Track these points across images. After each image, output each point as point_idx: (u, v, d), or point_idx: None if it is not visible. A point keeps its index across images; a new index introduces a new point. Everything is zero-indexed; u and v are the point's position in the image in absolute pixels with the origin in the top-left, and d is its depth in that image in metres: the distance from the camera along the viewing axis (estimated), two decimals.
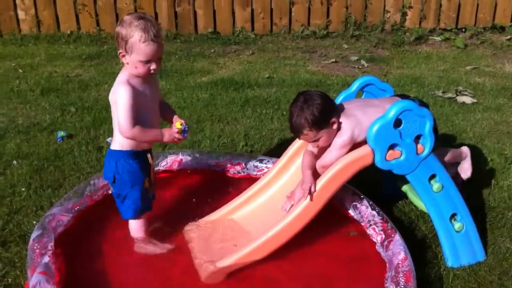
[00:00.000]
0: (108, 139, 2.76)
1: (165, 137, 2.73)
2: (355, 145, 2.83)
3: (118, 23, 2.64)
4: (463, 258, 2.98)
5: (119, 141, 2.75)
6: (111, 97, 2.68)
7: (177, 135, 2.73)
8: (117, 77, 2.72)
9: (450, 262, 2.97)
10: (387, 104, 2.83)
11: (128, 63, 2.63)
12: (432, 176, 2.86)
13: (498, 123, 5.00)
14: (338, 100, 3.16)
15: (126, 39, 2.56)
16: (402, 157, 2.75)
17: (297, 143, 3.15)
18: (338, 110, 2.87)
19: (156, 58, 2.62)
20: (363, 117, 2.83)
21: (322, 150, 2.91)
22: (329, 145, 2.89)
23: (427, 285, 2.82)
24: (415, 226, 3.30)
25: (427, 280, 2.86)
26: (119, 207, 2.88)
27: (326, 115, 2.79)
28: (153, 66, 2.63)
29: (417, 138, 2.77)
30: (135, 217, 2.87)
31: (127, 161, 2.76)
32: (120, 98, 2.60)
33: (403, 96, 3.04)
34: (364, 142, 2.77)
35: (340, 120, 2.84)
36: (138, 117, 2.64)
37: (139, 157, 2.81)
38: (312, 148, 2.95)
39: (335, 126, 2.82)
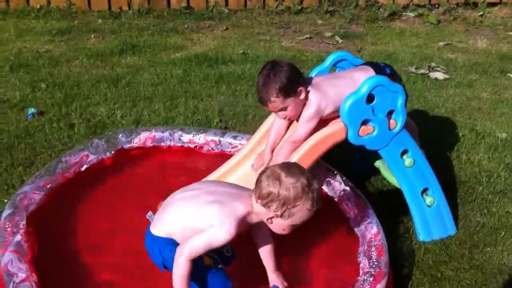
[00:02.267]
0: (149, 215, 2.44)
1: None
2: (328, 120, 2.83)
3: (275, 180, 2.13)
4: (435, 232, 3.03)
5: (167, 230, 2.30)
6: (200, 215, 2.22)
7: None
8: (231, 203, 2.22)
9: (421, 236, 3.02)
10: (355, 74, 2.85)
11: (272, 223, 2.23)
12: (404, 152, 2.89)
13: (470, 98, 5.06)
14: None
15: (289, 205, 2.14)
16: (374, 133, 2.77)
17: (271, 119, 3.15)
18: (305, 81, 2.84)
19: None
20: (330, 89, 2.82)
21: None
22: (298, 119, 2.88)
23: (399, 259, 2.88)
24: (387, 201, 3.34)
25: (399, 254, 2.91)
26: None
27: (293, 83, 2.75)
28: None
29: (390, 113, 2.78)
30: None
31: (172, 249, 2.25)
32: (213, 233, 2.16)
33: (371, 64, 3.03)
34: (332, 115, 2.78)
35: (308, 92, 2.81)
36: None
37: None
38: (279, 122, 2.96)
39: (302, 96, 2.78)
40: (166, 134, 3.47)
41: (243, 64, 5.73)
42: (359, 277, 2.50)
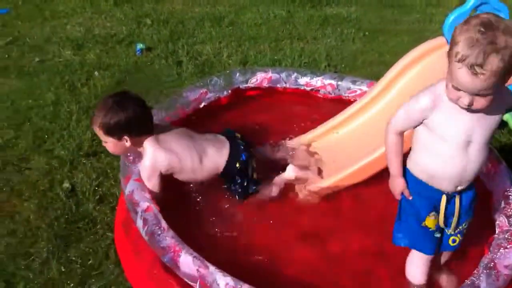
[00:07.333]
0: None
1: (393, 182, 2.18)
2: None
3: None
4: None
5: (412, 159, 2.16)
6: None
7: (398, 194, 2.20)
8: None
9: None
10: None
11: None
12: None
13: None
14: (449, 19, 2.87)
15: None
16: None
17: (401, 64, 2.94)
18: None
19: None
20: None
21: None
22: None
23: None
24: None
25: None
26: None
27: None
28: None
29: None
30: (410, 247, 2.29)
31: (408, 187, 2.19)
32: (411, 101, 2.01)
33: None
34: None
35: None
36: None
37: (424, 191, 2.15)
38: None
39: None
40: (283, 75, 3.36)
41: (348, 6, 5.50)
42: (496, 235, 2.35)
